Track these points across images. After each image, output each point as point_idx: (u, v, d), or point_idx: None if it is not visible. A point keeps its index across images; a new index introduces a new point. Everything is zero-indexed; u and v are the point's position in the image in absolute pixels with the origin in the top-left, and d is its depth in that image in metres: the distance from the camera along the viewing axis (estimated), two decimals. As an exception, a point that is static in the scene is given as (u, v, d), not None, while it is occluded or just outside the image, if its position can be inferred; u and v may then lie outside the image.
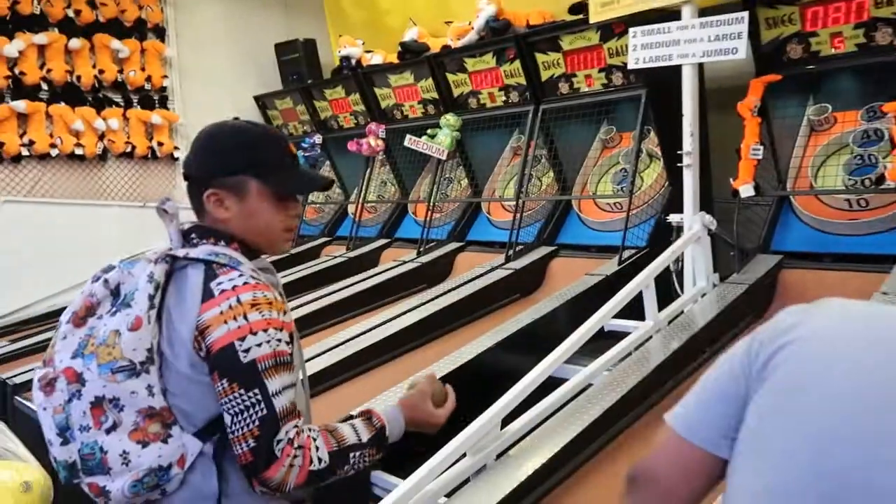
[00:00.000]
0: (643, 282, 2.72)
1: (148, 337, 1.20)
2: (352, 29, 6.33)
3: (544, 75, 4.39)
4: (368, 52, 5.82)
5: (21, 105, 5.25)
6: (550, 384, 2.31)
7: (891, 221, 3.16)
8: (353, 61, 5.79)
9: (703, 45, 3.09)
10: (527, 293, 3.87)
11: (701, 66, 3.35)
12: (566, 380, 2.39)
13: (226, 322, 1.18)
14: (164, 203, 1.33)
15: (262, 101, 6.58)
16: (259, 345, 1.19)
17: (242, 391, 1.18)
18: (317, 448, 1.24)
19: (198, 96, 6.33)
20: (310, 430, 1.27)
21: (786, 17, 3.40)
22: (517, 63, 4.44)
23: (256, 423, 1.18)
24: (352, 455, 1.29)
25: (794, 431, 0.74)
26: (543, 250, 4.14)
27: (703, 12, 3.18)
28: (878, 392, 0.71)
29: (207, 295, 1.22)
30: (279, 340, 1.21)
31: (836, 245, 3.27)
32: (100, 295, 1.29)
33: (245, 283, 1.22)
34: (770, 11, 3.43)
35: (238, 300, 1.20)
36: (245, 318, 1.19)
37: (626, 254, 3.65)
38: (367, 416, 1.39)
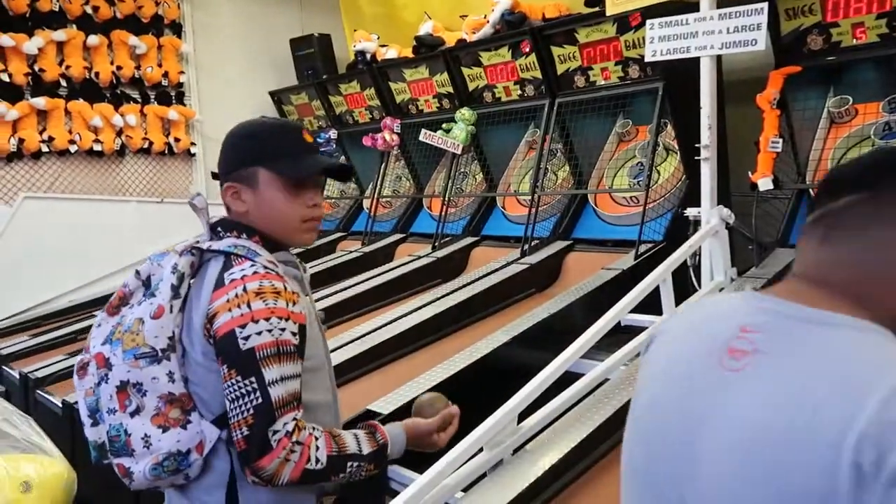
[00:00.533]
0: (660, 276, 2.70)
1: (170, 325, 1.24)
2: (366, 23, 6.33)
3: (560, 68, 4.37)
4: (383, 46, 5.82)
5: (41, 102, 5.31)
6: (567, 379, 2.30)
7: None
8: (368, 56, 5.79)
9: (721, 36, 3.05)
10: (543, 288, 3.86)
11: (719, 58, 3.31)
12: (583, 375, 2.38)
13: (230, 309, 1.21)
14: (194, 198, 1.36)
15: (278, 97, 6.61)
16: (259, 333, 1.19)
17: (239, 378, 1.20)
18: (317, 448, 1.24)
19: (214, 92, 6.37)
20: (314, 428, 1.27)
21: (806, 7, 3.35)
22: (533, 56, 4.42)
23: (251, 410, 1.19)
24: (349, 464, 1.28)
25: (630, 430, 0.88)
26: (559, 245, 4.13)
27: (721, 3, 3.14)
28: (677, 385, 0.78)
29: (219, 284, 1.25)
30: (283, 330, 1.21)
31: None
32: (132, 286, 1.36)
33: (255, 273, 1.24)
34: (790, 1, 3.38)
35: (244, 289, 1.22)
36: (248, 305, 1.20)
37: (643, 248, 3.63)
38: (372, 429, 1.38)
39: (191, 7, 6.26)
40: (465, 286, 3.72)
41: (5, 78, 5.23)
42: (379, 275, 4.19)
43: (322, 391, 1.38)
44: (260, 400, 1.19)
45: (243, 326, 1.20)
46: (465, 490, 1.98)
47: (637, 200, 3.98)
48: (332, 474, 1.27)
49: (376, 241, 5.18)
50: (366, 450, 1.32)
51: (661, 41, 3.27)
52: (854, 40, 3.28)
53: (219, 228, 1.36)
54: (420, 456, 1.98)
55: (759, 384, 0.66)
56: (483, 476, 2.03)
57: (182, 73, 6.15)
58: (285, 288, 1.25)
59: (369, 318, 3.51)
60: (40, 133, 5.38)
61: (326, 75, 6.18)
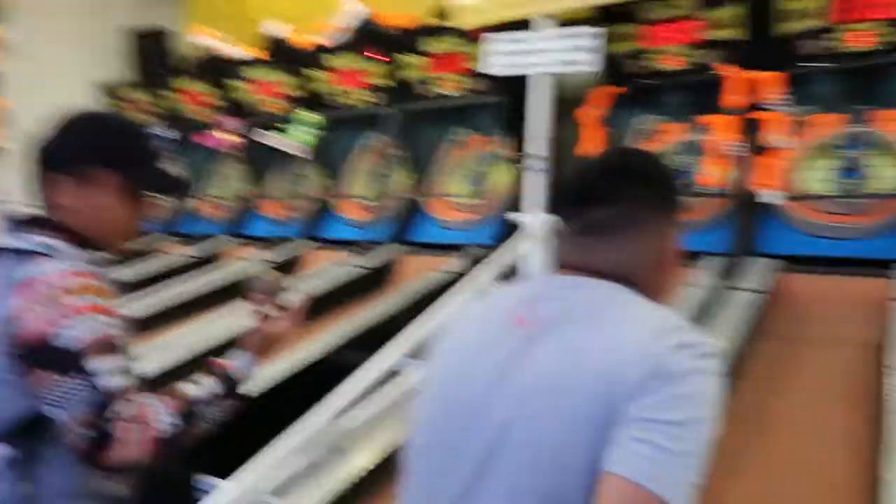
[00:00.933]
0: (486, 278, 2.81)
1: None
2: (211, 19, 6.08)
3: (406, 76, 4.44)
4: (227, 44, 5.62)
5: None
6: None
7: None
8: (211, 53, 5.57)
9: (556, 55, 3.22)
10: (377, 290, 3.88)
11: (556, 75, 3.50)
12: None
13: (36, 310, 1.09)
14: None
15: (110, 90, 6.16)
16: (76, 328, 1.09)
17: (59, 377, 1.08)
18: (158, 413, 1.14)
19: (34, 82, 5.82)
20: (144, 398, 1.15)
21: (630, 34, 3.63)
22: (380, 64, 4.45)
23: (82, 408, 1.08)
24: (203, 409, 1.22)
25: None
26: (395, 248, 4.17)
27: (562, 25, 3.31)
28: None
29: (16, 284, 1.12)
30: (105, 324, 1.13)
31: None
32: None
33: (61, 271, 1.13)
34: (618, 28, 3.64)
35: (52, 285, 1.11)
36: (61, 302, 1.10)
37: (476, 252, 3.75)
38: (207, 366, 1.30)
39: (15, -12, 5.70)
40: (298, 287, 3.65)
41: None
42: (210, 276, 4.02)
43: None
44: (89, 394, 1.08)
45: (58, 324, 1.09)
46: (278, 493, 1.93)
47: (472, 207, 4.12)
48: (191, 428, 1.19)
49: (205, 242, 4.98)
50: (211, 388, 1.24)
51: (499, 55, 3.41)
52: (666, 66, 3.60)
53: (22, 225, 1.22)
54: (226, 459, 1.92)
55: (551, 340, 0.84)
56: (300, 477, 2.00)
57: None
58: (101, 284, 1.16)
59: (192, 320, 3.36)
60: None
61: (162, 71, 5.86)
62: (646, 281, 0.91)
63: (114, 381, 1.11)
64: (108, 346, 1.12)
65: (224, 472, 2.04)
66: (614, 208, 0.90)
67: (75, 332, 1.09)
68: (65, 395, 1.08)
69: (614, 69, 3.72)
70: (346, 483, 2.00)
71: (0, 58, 5.61)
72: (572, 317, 0.85)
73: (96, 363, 1.10)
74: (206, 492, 2.03)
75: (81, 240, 1.22)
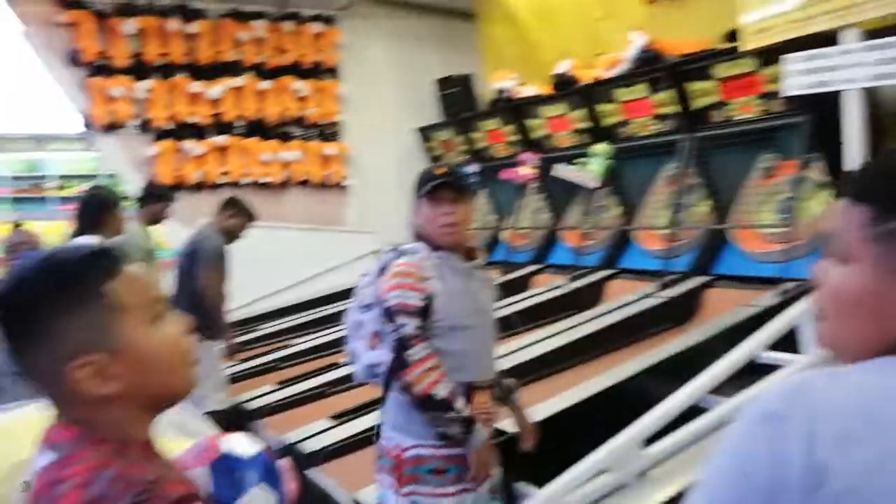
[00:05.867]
0: (802, 313, 2.65)
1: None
2: (506, 63, 6.59)
3: (698, 104, 4.36)
4: (522, 84, 6.05)
5: (221, 140, 6.05)
6: (696, 415, 2.32)
7: None
8: (508, 94, 6.04)
9: (868, 69, 2.96)
10: (679, 323, 3.83)
11: (870, 90, 3.19)
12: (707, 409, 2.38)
13: (386, 282, 1.79)
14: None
15: (423, 133, 7.01)
16: (392, 296, 1.74)
17: (388, 325, 1.77)
18: (432, 369, 1.72)
19: (366, 129, 6.88)
20: (427, 353, 1.74)
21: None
22: (670, 92, 4.45)
23: (392, 344, 1.75)
24: (439, 416, 1.72)
25: None
26: (698, 280, 4.08)
27: (870, 35, 3.05)
28: None
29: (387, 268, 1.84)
30: (408, 297, 1.74)
31: None
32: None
33: (400, 262, 1.78)
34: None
35: (393, 269, 1.79)
36: (391, 279, 1.77)
37: (788, 286, 3.52)
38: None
39: (347, 53, 6.85)
40: (599, 316, 3.78)
41: (193, 119, 6.01)
42: (513, 303, 4.34)
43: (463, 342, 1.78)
44: (395, 337, 1.72)
45: (387, 293, 1.76)
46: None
47: (783, 237, 3.86)
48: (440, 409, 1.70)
49: (513, 271, 5.36)
50: (459, 409, 1.71)
51: (800, 75, 3.22)
52: None
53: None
54: (542, 470, 2.11)
55: None
56: (604, 496, 2.11)
57: (338, 112, 6.73)
58: (416, 271, 1.75)
59: (501, 343, 3.65)
60: (220, 167, 6.11)
61: (468, 113, 6.51)
62: None
63: (407, 331, 1.69)
64: (407, 310, 1.70)
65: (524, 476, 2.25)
66: None
67: (392, 297, 1.72)
68: (388, 335, 1.75)
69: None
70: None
71: (339, 110, 6.73)
72: None
73: (400, 318, 1.71)
74: (523, 498, 2.25)
75: (432, 244, 1.81)
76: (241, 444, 0.99)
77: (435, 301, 1.74)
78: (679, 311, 3.87)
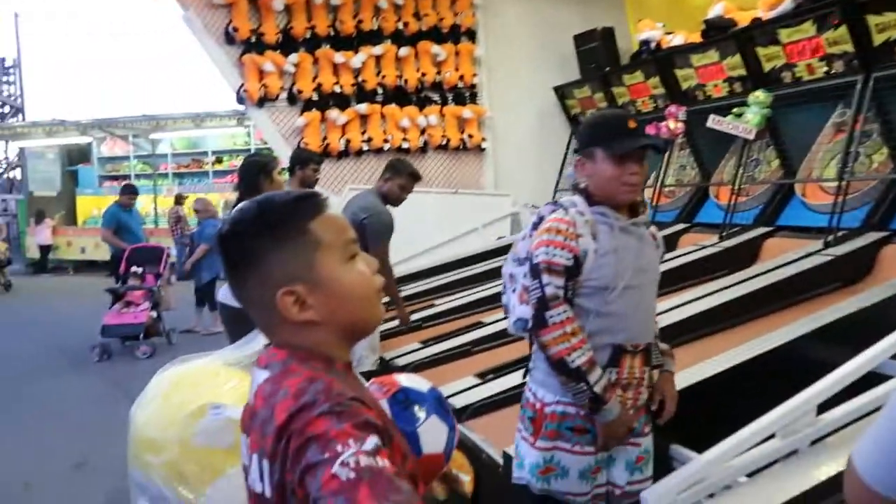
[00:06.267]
0: None
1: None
2: (651, 13, 6.24)
3: (878, 39, 3.88)
4: (669, 34, 5.71)
5: (363, 108, 6.24)
6: (874, 382, 2.11)
7: None
8: (653, 45, 5.73)
9: None
10: (850, 282, 3.49)
11: None
12: (893, 377, 2.16)
13: (537, 236, 1.75)
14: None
15: (562, 91, 6.84)
16: (539, 252, 1.70)
17: (531, 281, 1.73)
18: (572, 333, 1.68)
19: (503, 91, 6.82)
20: (568, 315, 1.69)
21: None
22: (843, 29, 4.00)
23: (534, 303, 1.70)
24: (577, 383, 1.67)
25: None
26: (873, 236, 3.68)
27: None
28: None
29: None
30: (553, 254, 1.68)
31: None
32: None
33: (554, 216, 1.72)
34: None
35: (545, 223, 1.74)
36: (542, 235, 1.72)
37: None
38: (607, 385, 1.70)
39: (484, 15, 6.78)
40: (755, 277, 3.53)
41: (337, 89, 6.23)
42: (662, 262, 4.14)
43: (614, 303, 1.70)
44: (537, 294, 1.69)
45: (534, 248, 1.72)
46: (750, 475, 1.94)
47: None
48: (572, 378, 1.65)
49: (661, 230, 5.10)
50: (598, 376, 1.65)
51: None
52: None
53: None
54: (698, 435, 2.01)
55: None
56: (773, 463, 1.98)
57: (475, 75, 6.70)
58: (567, 228, 1.68)
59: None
60: (362, 134, 6.31)
61: (609, 68, 6.24)
62: None
63: (549, 291, 1.65)
64: (552, 269, 1.65)
65: (699, 446, 2.14)
66: None
67: (540, 254, 1.68)
68: (530, 292, 1.71)
69: None
70: (829, 477, 1.89)
71: (476, 72, 6.69)
72: None
73: (545, 277, 1.66)
74: (681, 462, 2.16)
75: (591, 198, 1.73)
76: (415, 382, 1.10)
77: (586, 260, 1.66)
78: (849, 270, 3.52)
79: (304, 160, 4.01)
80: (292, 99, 6.23)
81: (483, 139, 6.76)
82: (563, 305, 1.66)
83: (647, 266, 1.76)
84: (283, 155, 5.90)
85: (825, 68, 4.26)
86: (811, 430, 1.99)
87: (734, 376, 2.54)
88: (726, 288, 3.47)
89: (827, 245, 3.70)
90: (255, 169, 3.32)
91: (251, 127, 11.03)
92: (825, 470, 1.90)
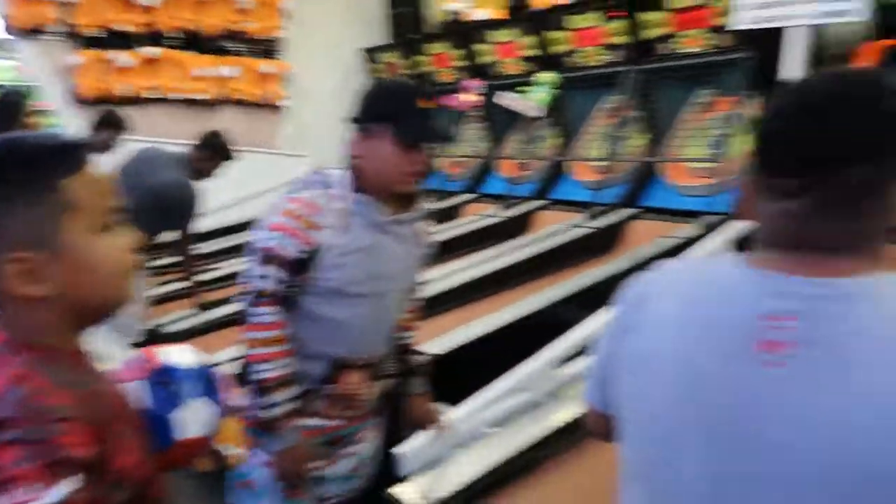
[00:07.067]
0: (721, 244, 2.71)
1: None
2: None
3: (648, 35, 4.31)
4: (475, 7, 5.87)
5: (152, 51, 5.72)
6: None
7: None
8: (459, 16, 5.87)
9: (817, 5, 2.93)
10: (606, 252, 3.89)
11: (816, 28, 3.18)
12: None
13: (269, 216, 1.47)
14: None
15: (369, 54, 6.78)
16: (266, 238, 1.41)
17: (248, 263, 1.48)
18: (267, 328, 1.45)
19: (310, 47, 6.60)
20: (270, 311, 1.45)
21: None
22: (623, 21, 4.38)
23: (247, 296, 1.47)
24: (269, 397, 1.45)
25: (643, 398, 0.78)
26: (626, 212, 4.13)
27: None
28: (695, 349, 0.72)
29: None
30: (282, 243, 1.39)
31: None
32: None
33: (291, 198, 1.43)
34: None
35: (279, 205, 1.44)
36: (272, 217, 1.43)
37: (713, 219, 3.58)
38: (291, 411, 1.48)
39: (293, -36, 6.49)
40: (524, 246, 3.81)
41: (123, 28, 5.65)
42: (443, 231, 4.32)
43: (343, 310, 1.46)
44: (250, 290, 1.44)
45: (262, 230, 1.43)
46: (498, 427, 2.11)
47: (711, 172, 3.92)
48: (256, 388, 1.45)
49: (447, 199, 5.32)
50: (272, 402, 1.43)
51: (751, 9, 3.18)
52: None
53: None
54: (465, 393, 2.13)
55: (824, 378, 0.63)
56: (518, 413, 2.16)
57: (280, 28, 6.42)
58: (309, 215, 1.40)
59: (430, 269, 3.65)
60: (149, 81, 5.79)
61: (416, 35, 6.30)
62: (880, 247, 0.69)
63: (263, 285, 1.40)
64: (276, 259, 1.39)
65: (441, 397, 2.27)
66: (870, 166, 0.64)
67: (269, 239, 1.40)
68: (246, 278, 1.44)
69: (888, 19, 3.26)
70: (547, 431, 2.10)
71: (280, 25, 6.42)
72: (844, 339, 0.64)
73: (264, 267, 1.40)
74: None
75: (360, 181, 1.44)
76: (180, 356, 0.96)
77: (323, 256, 1.40)
78: (605, 242, 3.93)
79: (112, 125, 3.60)
80: (69, 33, 5.54)
81: (284, 96, 6.52)
82: (274, 306, 1.42)
83: (395, 273, 1.51)
84: (51, 96, 5.27)
85: (604, 57, 4.65)
86: (552, 384, 2.20)
87: (496, 337, 2.73)
88: (498, 257, 3.71)
89: (590, 218, 4.09)
90: (9, 108, 2.94)
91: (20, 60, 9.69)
92: (561, 416, 2.12)
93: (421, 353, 1.75)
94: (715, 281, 0.74)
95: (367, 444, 1.68)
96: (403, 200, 1.48)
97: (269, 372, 1.42)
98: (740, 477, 0.68)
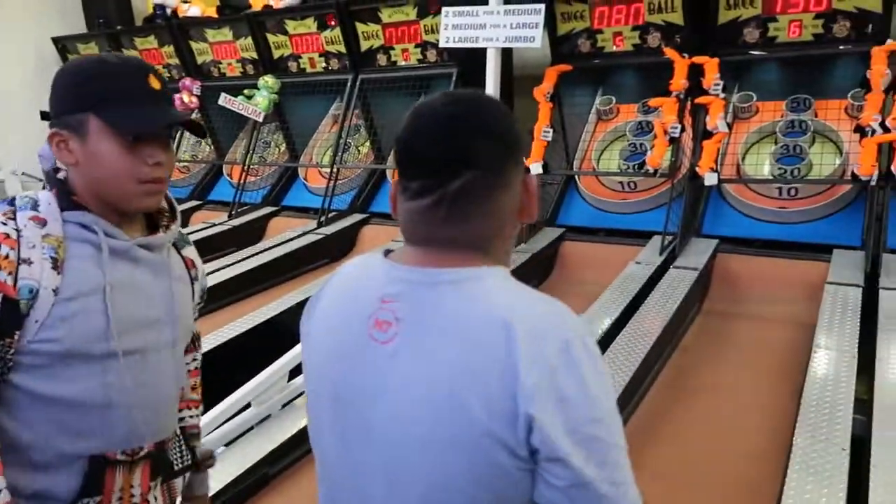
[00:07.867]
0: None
1: None
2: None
3: (364, 45, 4.47)
4: (185, 2, 5.53)
5: None
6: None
7: (652, 202, 3.63)
8: (168, 11, 5.48)
9: (505, 31, 3.30)
10: (337, 258, 3.96)
11: (510, 51, 3.58)
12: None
13: None
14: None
15: (63, 44, 5.99)
16: None
17: None
18: None
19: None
20: None
21: (577, 13, 3.74)
22: (338, 31, 4.47)
23: None
24: None
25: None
26: (356, 217, 4.25)
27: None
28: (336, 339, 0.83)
29: None
30: None
31: (610, 221, 3.71)
32: None
33: None
34: (565, 7, 3.75)
35: None
36: None
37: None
38: None
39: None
40: (259, 253, 3.72)
41: None
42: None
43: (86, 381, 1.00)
44: None
45: None
46: (228, 444, 2.03)
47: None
48: None
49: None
50: None
51: (454, 29, 3.48)
52: (615, 47, 3.73)
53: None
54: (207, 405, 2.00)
55: (410, 355, 0.74)
56: (250, 430, 2.10)
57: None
58: (8, 250, 0.94)
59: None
60: None
61: (121, 26, 5.75)
62: (498, 246, 0.81)
63: None
64: None
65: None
66: (475, 171, 0.76)
67: None
68: None
69: (566, 48, 3.82)
70: (295, 433, 2.10)
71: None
72: (429, 320, 0.75)
73: None
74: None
75: (73, 198, 1.01)
76: None
77: (34, 306, 0.94)
78: (336, 247, 4.00)
79: None
80: None
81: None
82: None
83: (161, 316, 1.07)
84: None
85: (324, 64, 4.71)
86: (282, 395, 2.18)
87: (231, 349, 2.63)
88: (232, 265, 3.57)
89: (320, 224, 4.13)
90: None
91: None
92: (292, 427, 2.11)
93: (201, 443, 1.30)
94: (363, 273, 0.85)
95: None
96: (147, 218, 1.09)
97: None
98: (358, 442, 0.78)
